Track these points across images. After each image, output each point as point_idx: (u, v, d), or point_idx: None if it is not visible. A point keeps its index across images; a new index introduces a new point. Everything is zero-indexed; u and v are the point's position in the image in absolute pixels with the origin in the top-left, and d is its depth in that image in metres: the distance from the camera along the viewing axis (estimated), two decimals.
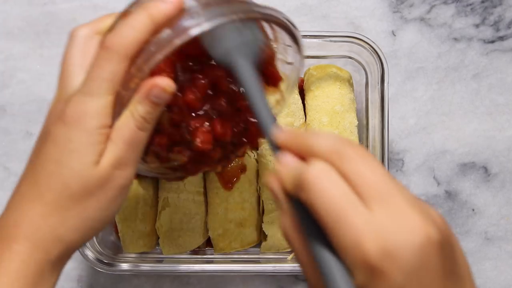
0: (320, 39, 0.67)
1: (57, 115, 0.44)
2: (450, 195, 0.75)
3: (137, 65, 0.44)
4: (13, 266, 0.43)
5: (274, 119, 0.43)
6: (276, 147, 0.41)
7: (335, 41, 0.67)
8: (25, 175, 0.45)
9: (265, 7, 0.47)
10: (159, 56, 0.43)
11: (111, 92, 0.43)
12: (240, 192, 0.68)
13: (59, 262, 0.45)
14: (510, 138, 0.75)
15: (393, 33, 0.76)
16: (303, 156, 0.40)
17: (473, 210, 0.75)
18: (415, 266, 0.35)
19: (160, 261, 0.69)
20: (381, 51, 0.66)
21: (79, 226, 0.44)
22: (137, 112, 0.44)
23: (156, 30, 0.44)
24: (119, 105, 0.44)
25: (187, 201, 0.68)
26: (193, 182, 0.69)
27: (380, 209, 0.36)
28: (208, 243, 0.71)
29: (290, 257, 0.69)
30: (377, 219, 0.36)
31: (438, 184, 0.75)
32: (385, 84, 0.66)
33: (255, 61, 0.47)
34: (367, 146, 0.69)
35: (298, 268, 0.68)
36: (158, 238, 0.70)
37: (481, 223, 0.74)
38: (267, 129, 0.42)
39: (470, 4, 0.76)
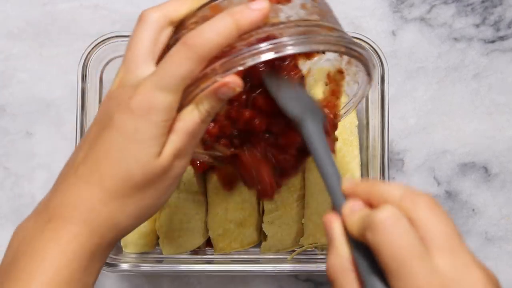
0: None
1: (123, 102, 0.44)
2: (450, 195, 0.75)
3: (214, 68, 0.44)
4: (71, 248, 0.43)
5: (339, 175, 0.45)
6: (342, 198, 0.44)
7: None
8: (84, 158, 0.45)
9: (351, 41, 0.47)
10: (241, 66, 0.43)
11: (182, 89, 0.44)
12: (240, 192, 0.68)
13: (109, 247, 0.46)
14: (510, 138, 0.75)
15: (393, 33, 0.76)
16: (371, 204, 0.42)
17: (473, 210, 0.75)
18: None
19: (160, 261, 0.69)
20: (381, 51, 0.66)
21: (135, 213, 0.46)
22: (203, 106, 0.45)
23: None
24: (183, 97, 0.45)
25: (187, 201, 0.68)
26: (193, 182, 0.69)
27: (445, 259, 0.38)
28: (208, 243, 0.71)
29: (290, 257, 0.69)
30: (440, 268, 0.37)
31: (438, 184, 0.75)
32: (385, 84, 0.66)
33: (322, 126, 0.49)
34: (367, 146, 0.69)
35: (298, 268, 0.68)
36: (158, 238, 0.70)
37: (481, 223, 0.74)
38: (333, 183, 0.45)
39: (471, 4, 0.76)
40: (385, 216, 0.39)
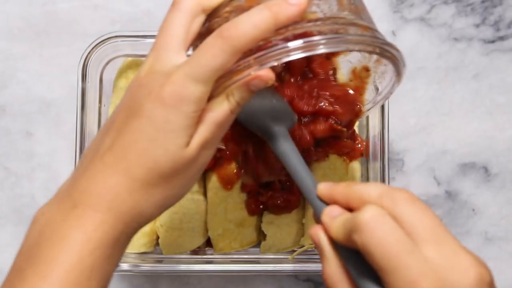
0: None
1: (154, 91, 0.43)
2: (450, 195, 0.75)
3: (248, 61, 0.43)
4: (96, 235, 0.43)
5: (315, 182, 0.46)
6: (321, 204, 0.44)
7: None
8: (112, 145, 0.44)
9: (386, 41, 0.47)
10: (276, 61, 0.43)
11: (214, 80, 0.43)
12: (239, 192, 0.68)
13: (132, 235, 0.46)
14: (510, 138, 0.75)
15: (393, 33, 0.76)
16: (350, 207, 0.42)
17: (473, 210, 0.75)
18: None
19: (160, 261, 0.69)
20: None
21: (160, 202, 0.46)
22: (233, 97, 0.45)
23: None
24: (214, 88, 0.45)
25: (187, 201, 0.68)
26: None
27: (433, 249, 0.38)
28: (208, 243, 0.71)
29: (291, 257, 0.69)
30: (430, 259, 0.38)
31: (438, 184, 0.75)
32: None
33: (288, 126, 0.49)
34: (367, 146, 0.69)
35: (298, 268, 0.68)
36: (158, 238, 0.70)
37: (482, 223, 0.74)
38: (309, 190, 0.45)
39: (470, 4, 0.76)
40: (369, 216, 0.39)
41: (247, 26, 0.42)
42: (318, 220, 0.44)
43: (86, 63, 0.66)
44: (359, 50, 0.46)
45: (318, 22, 0.45)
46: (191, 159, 0.45)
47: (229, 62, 0.43)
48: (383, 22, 0.75)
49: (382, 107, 0.66)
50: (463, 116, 0.75)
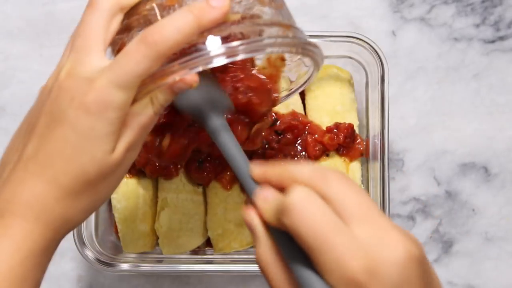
0: (320, 39, 0.67)
1: (77, 98, 0.43)
2: (450, 195, 0.75)
3: (172, 66, 0.43)
4: (25, 246, 0.43)
5: (247, 162, 0.45)
6: (254, 186, 0.44)
7: (335, 41, 0.67)
8: (36, 153, 0.44)
9: (306, 41, 0.47)
10: (201, 67, 0.43)
11: (138, 85, 0.43)
12: (239, 192, 0.68)
13: (61, 239, 0.47)
14: (510, 138, 0.75)
15: (393, 33, 0.76)
16: (282, 187, 0.41)
17: (473, 210, 0.75)
18: (399, 281, 0.37)
19: (160, 261, 0.69)
20: (381, 51, 0.66)
21: (88, 207, 0.46)
22: (157, 100, 0.45)
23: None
24: (137, 92, 0.45)
25: (186, 201, 0.68)
26: (192, 182, 0.69)
27: (363, 228, 0.38)
28: (208, 243, 0.71)
29: None
30: (360, 237, 0.37)
31: (438, 184, 0.75)
32: (385, 84, 0.66)
33: (223, 110, 0.50)
34: (367, 146, 0.69)
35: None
36: (158, 238, 0.70)
37: (482, 223, 0.74)
38: (242, 172, 0.45)
39: (471, 4, 0.76)
40: (296, 197, 0.39)
41: (171, 31, 0.42)
42: (251, 201, 0.44)
43: None
44: (281, 52, 0.46)
45: (241, 24, 0.45)
46: (117, 163, 0.45)
47: (153, 68, 0.43)
48: (383, 22, 0.76)
49: (382, 107, 0.66)
50: (463, 116, 0.75)
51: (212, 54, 0.43)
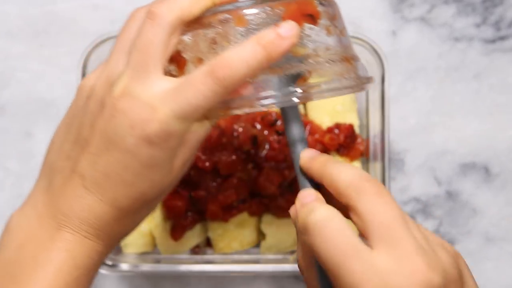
0: None
1: (138, 127, 0.41)
2: (451, 195, 0.75)
3: (241, 101, 0.42)
4: (83, 261, 0.44)
5: (306, 142, 0.45)
6: (303, 181, 0.44)
7: None
8: (93, 171, 0.43)
9: (367, 78, 0.46)
10: (276, 107, 0.42)
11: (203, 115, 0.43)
12: None
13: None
14: (511, 138, 0.75)
15: (394, 33, 0.75)
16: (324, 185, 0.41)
17: (474, 210, 0.74)
18: None
19: (160, 261, 0.68)
20: (381, 51, 0.66)
21: (141, 220, 0.47)
22: (215, 119, 0.45)
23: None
24: None
25: None
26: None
27: (385, 250, 0.37)
28: (208, 243, 0.71)
29: (291, 258, 0.69)
30: (379, 262, 0.37)
31: (439, 184, 0.75)
32: (386, 84, 0.66)
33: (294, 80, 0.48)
34: (367, 146, 0.69)
35: (298, 269, 0.68)
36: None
37: (482, 223, 0.74)
38: (296, 149, 0.45)
39: (471, 4, 0.76)
40: (316, 219, 0.39)
41: (240, 65, 0.41)
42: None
43: (86, 63, 0.66)
44: (346, 94, 0.46)
45: (310, 61, 0.43)
46: (174, 181, 0.45)
47: (218, 100, 0.42)
48: (383, 22, 0.75)
49: (382, 107, 0.66)
50: (463, 116, 0.75)
51: (287, 96, 0.42)
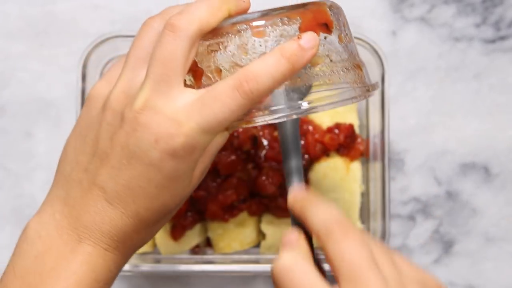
0: None
1: (162, 141, 0.41)
2: (450, 195, 0.75)
3: (261, 113, 0.43)
4: (103, 274, 0.44)
5: (301, 173, 0.47)
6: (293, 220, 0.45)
7: None
8: (114, 184, 0.43)
9: (375, 85, 0.47)
10: (289, 118, 0.43)
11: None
12: None
13: None
14: (511, 138, 0.75)
15: (394, 33, 0.75)
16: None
17: (473, 210, 0.74)
18: None
19: (160, 261, 0.68)
20: (381, 51, 0.66)
21: (159, 229, 0.48)
22: (233, 127, 0.45)
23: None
24: None
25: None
26: None
27: None
28: (208, 243, 0.71)
29: None
30: None
31: (439, 184, 0.75)
32: (386, 84, 0.66)
33: (298, 120, 0.49)
34: (367, 146, 0.69)
35: None
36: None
37: (482, 223, 0.74)
38: (290, 181, 0.47)
39: (471, 4, 0.76)
40: (280, 266, 0.40)
41: (266, 79, 0.41)
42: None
43: (86, 63, 0.66)
44: (356, 102, 0.46)
45: (326, 70, 0.44)
46: (193, 189, 0.46)
47: (243, 113, 0.42)
48: (383, 22, 0.75)
49: (382, 107, 0.66)
50: (463, 116, 0.75)
51: (304, 107, 0.42)
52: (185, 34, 0.42)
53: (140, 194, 0.43)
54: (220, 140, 0.44)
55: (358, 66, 0.46)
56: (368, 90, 0.45)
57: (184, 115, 0.41)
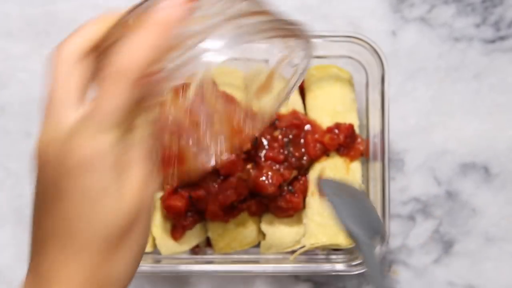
0: (321, 39, 0.67)
1: (62, 166, 0.38)
2: (450, 195, 0.75)
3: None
4: None
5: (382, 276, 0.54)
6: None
7: (335, 41, 0.67)
8: (50, 234, 0.39)
9: (291, 23, 0.43)
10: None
11: (129, 115, 0.38)
12: None
13: None
14: (511, 138, 0.75)
15: (393, 33, 0.75)
16: None
17: (473, 210, 0.74)
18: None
19: (159, 261, 0.69)
20: (381, 51, 0.66)
21: (132, 255, 0.41)
22: (147, 123, 0.41)
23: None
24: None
25: None
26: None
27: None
28: (208, 243, 0.71)
29: (292, 257, 0.69)
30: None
31: (439, 184, 0.75)
32: (386, 84, 0.66)
33: (371, 235, 0.57)
34: (367, 146, 0.69)
35: (298, 269, 0.68)
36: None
37: (482, 223, 0.74)
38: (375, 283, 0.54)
39: (471, 4, 0.76)
40: None
41: (136, 50, 0.37)
42: None
43: None
44: (271, 37, 0.40)
45: (216, 21, 0.38)
46: (135, 204, 0.39)
47: (136, 93, 0.37)
48: (383, 22, 0.75)
49: (382, 107, 0.66)
50: (463, 116, 0.75)
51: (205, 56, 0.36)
52: (64, 57, 0.42)
53: (75, 231, 0.39)
54: (141, 142, 0.40)
55: (264, 12, 0.41)
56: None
57: (75, 128, 0.39)
